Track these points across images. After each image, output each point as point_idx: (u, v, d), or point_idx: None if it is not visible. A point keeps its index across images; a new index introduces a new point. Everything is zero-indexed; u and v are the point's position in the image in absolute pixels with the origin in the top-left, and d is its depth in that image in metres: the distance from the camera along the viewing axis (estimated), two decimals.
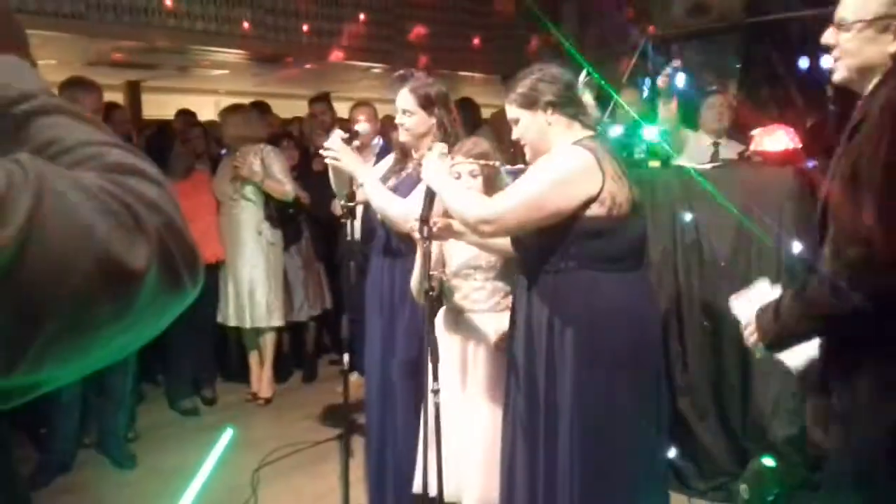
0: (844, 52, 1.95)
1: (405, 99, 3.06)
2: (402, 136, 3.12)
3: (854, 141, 1.86)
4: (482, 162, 2.69)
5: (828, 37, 1.98)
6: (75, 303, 0.65)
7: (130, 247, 0.68)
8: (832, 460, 2.11)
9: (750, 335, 2.08)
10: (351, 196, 3.11)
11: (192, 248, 0.76)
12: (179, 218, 0.76)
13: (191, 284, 0.75)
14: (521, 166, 3.85)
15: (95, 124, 0.82)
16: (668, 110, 4.34)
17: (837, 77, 2.00)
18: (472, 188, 2.67)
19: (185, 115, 6.04)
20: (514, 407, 2.51)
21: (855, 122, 1.89)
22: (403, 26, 7.43)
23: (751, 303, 2.15)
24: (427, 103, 3.05)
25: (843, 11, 1.94)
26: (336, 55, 6.86)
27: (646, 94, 5.54)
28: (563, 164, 2.28)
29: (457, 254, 2.77)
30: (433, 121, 3.06)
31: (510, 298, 2.69)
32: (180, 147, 4.99)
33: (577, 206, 2.24)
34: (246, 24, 6.35)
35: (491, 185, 2.71)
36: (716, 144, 4.50)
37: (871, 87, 1.91)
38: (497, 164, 2.74)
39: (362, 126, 3.31)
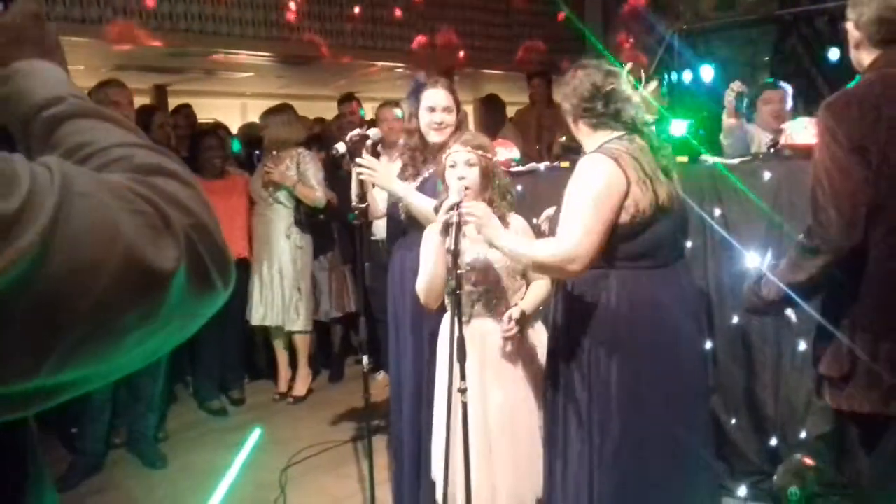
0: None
1: (445, 97, 3.15)
2: (438, 136, 3.14)
3: None
4: (479, 153, 2.68)
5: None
6: (101, 306, 0.63)
7: (158, 248, 0.67)
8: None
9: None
10: (362, 197, 3.11)
11: (222, 249, 0.74)
12: (210, 219, 0.74)
13: (222, 285, 0.74)
14: (533, 164, 3.85)
15: (125, 125, 0.82)
16: (730, 123, 4.34)
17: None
18: (468, 178, 2.65)
19: (185, 108, 6.15)
20: (553, 406, 2.56)
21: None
22: (427, 26, 7.43)
23: None
24: (457, 101, 3.19)
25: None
26: (359, 55, 6.88)
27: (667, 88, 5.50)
28: (594, 179, 2.32)
29: (467, 258, 2.73)
30: (459, 117, 3.18)
31: (517, 297, 2.76)
32: (212, 148, 5.06)
33: (620, 209, 2.31)
34: (270, 27, 6.38)
35: (487, 176, 2.69)
36: (775, 141, 4.41)
37: None
38: (494, 157, 2.73)
39: (373, 131, 3.33)
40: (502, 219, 2.72)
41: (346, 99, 5.85)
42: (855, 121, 2.11)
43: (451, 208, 2.38)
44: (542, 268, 2.47)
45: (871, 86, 2.16)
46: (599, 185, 2.29)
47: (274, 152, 5.02)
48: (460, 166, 2.66)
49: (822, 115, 2.20)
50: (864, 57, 2.25)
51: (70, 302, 0.62)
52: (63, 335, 0.63)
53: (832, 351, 2.24)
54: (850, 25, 2.28)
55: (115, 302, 0.64)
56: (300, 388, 5.22)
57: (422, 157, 3.24)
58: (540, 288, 2.76)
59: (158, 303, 0.67)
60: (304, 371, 5.25)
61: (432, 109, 3.13)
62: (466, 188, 2.60)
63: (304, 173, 4.92)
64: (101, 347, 0.66)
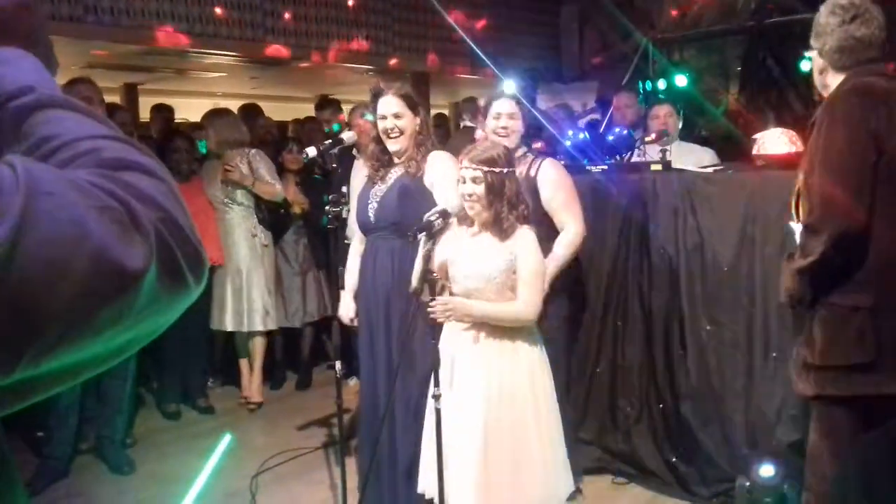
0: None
1: (393, 103, 3.12)
2: (396, 144, 3.12)
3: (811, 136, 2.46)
4: (485, 168, 2.68)
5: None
6: (72, 306, 0.63)
7: (127, 246, 0.65)
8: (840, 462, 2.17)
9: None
10: (336, 201, 3.08)
11: (194, 245, 0.73)
12: (182, 213, 0.73)
13: (195, 281, 0.73)
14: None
15: (95, 116, 0.80)
16: None
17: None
18: (475, 193, 2.67)
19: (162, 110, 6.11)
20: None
21: (812, 121, 2.49)
22: (401, 29, 7.41)
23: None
24: (412, 104, 3.14)
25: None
26: (332, 57, 6.84)
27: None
28: (566, 177, 3.38)
29: (461, 274, 2.74)
30: (418, 121, 3.14)
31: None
32: (180, 150, 5.01)
33: None
34: (243, 27, 6.32)
35: (493, 191, 2.69)
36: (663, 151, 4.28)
37: None
38: (505, 170, 2.71)
39: (348, 135, 3.31)
40: (510, 230, 2.70)
41: (325, 105, 5.77)
42: (869, 110, 2.31)
43: (439, 216, 2.46)
44: (569, 253, 3.25)
45: (871, 85, 2.36)
46: (570, 179, 3.38)
47: (221, 154, 4.97)
48: (468, 183, 2.69)
49: (837, 103, 2.37)
50: (831, 80, 2.49)
51: (40, 303, 0.61)
52: (35, 335, 0.62)
53: (849, 339, 2.32)
54: (814, 54, 2.53)
55: (87, 302, 0.63)
56: (256, 395, 5.14)
57: (381, 163, 3.22)
58: (505, 307, 2.72)
59: (130, 301, 0.66)
60: (258, 378, 5.16)
61: (383, 117, 3.13)
62: (474, 200, 2.69)
63: (258, 171, 4.90)
64: (76, 345, 0.65)
